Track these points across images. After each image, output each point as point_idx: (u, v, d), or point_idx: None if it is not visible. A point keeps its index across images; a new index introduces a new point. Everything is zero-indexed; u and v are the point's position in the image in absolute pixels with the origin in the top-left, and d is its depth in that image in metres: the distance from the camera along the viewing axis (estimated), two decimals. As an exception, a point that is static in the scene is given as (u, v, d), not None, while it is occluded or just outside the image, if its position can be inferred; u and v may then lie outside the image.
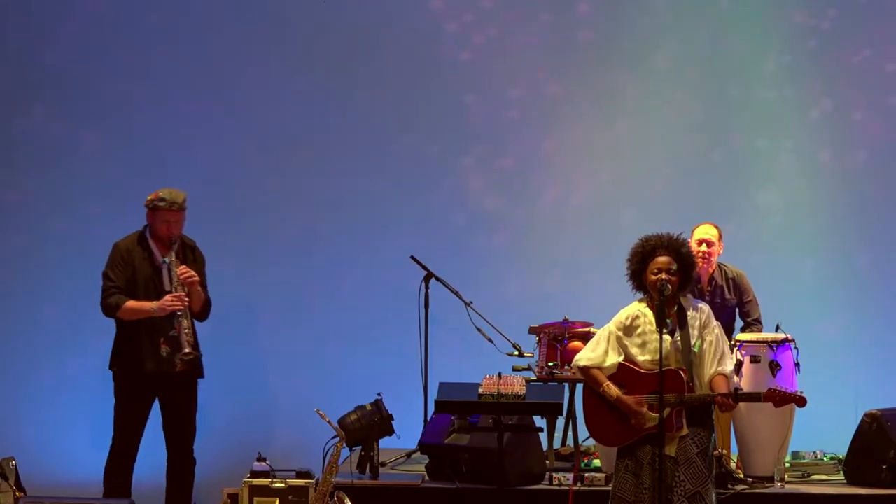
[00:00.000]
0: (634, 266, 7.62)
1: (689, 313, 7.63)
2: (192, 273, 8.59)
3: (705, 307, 7.71)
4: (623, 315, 7.67)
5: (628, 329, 7.63)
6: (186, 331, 8.49)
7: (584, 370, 7.66)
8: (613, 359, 7.60)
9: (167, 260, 8.60)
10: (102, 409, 8.92)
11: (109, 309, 8.58)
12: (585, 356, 7.67)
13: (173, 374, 8.57)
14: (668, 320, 7.50)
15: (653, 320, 7.56)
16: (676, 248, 7.60)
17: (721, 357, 7.57)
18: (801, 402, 7.64)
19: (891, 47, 10.43)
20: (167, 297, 8.52)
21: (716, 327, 7.64)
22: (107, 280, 8.60)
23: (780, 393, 7.62)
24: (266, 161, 10.37)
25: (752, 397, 7.73)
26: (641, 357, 7.57)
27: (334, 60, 10.38)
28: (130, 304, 8.54)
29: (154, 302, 8.52)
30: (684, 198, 10.35)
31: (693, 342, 7.56)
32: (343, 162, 10.39)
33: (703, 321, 7.62)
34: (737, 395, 7.53)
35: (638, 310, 7.65)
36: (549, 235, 10.44)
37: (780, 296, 9.92)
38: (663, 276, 7.51)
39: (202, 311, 8.72)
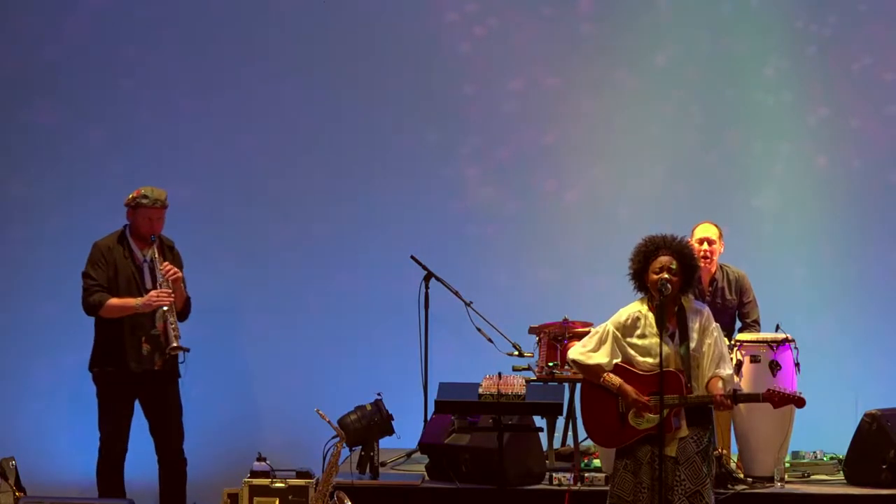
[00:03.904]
0: (637, 265, 7.61)
1: (689, 315, 7.62)
2: (177, 270, 8.51)
3: (705, 309, 7.69)
4: (623, 315, 7.65)
5: (627, 329, 7.61)
6: (173, 325, 8.39)
7: (580, 364, 7.64)
8: (609, 358, 7.58)
9: (149, 258, 8.55)
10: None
11: (92, 308, 8.46)
12: (580, 351, 7.65)
13: (153, 373, 8.47)
14: (667, 323, 7.52)
15: (653, 321, 7.55)
16: (679, 249, 7.59)
17: (720, 360, 7.56)
18: (800, 402, 7.63)
19: (890, 56, 10.45)
20: (152, 292, 8.43)
21: (715, 329, 7.63)
22: (88, 279, 8.49)
23: (779, 393, 7.62)
24: (265, 157, 10.36)
25: (752, 398, 7.72)
26: (640, 358, 7.56)
27: (333, 51, 10.36)
28: (113, 301, 8.44)
29: (138, 298, 8.44)
30: (680, 197, 10.36)
31: (692, 344, 7.57)
32: (342, 156, 10.37)
33: (702, 324, 7.61)
34: (736, 396, 7.53)
35: (638, 310, 7.63)
36: (544, 229, 10.43)
37: (779, 297, 9.92)
38: (664, 275, 7.50)
39: (184, 310, 8.64)
